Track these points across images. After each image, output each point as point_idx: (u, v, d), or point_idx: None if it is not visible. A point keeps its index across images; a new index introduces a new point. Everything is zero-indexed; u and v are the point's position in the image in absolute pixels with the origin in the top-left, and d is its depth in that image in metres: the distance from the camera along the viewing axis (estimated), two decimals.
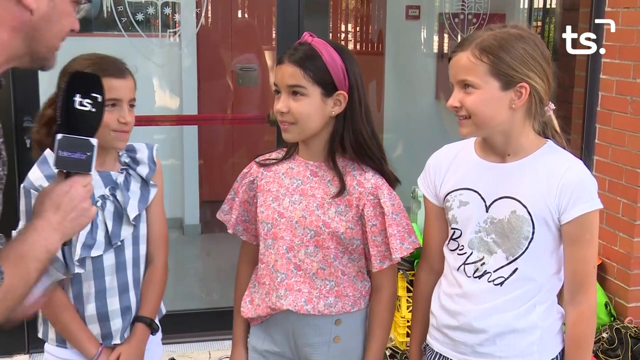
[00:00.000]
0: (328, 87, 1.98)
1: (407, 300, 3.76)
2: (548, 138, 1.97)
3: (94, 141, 1.53)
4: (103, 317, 2.15)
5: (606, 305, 3.88)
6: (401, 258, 2.02)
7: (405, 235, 2.00)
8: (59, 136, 1.52)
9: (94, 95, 1.53)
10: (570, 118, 4.35)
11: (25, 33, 1.42)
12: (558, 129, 1.99)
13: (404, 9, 5.75)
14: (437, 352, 2.07)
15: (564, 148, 1.97)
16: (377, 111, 6.12)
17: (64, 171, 1.54)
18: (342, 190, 2.00)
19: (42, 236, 1.48)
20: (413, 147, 5.93)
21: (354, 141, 2.01)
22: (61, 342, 2.16)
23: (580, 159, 1.96)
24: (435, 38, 5.84)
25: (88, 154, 1.53)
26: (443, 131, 5.89)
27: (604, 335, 3.70)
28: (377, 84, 6.08)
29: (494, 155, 1.97)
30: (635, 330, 3.71)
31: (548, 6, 5.45)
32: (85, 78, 1.56)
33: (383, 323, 2.12)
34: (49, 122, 2.10)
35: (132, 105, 2.11)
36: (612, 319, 3.87)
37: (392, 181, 2.06)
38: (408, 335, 3.67)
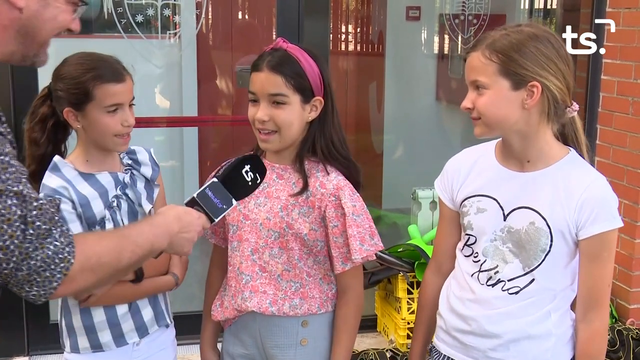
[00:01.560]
0: (306, 94, 2.00)
1: (407, 302, 3.74)
2: (569, 146, 1.93)
3: (235, 202, 1.83)
4: (135, 311, 2.16)
5: None
6: (362, 259, 2.00)
7: (366, 237, 1.99)
8: (215, 180, 1.82)
9: (258, 175, 1.87)
10: None
11: (16, 31, 1.46)
12: (581, 132, 1.93)
13: (404, 9, 5.74)
14: (444, 355, 2.06)
15: (584, 157, 1.92)
16: (377, 112, 6.11)
17: (195, 206, 1.77)
18: (303, 189, 2.01)
19: (153, 231, 1.64)
20: (413, 148, 5.94)
21: (325, 145, 2.04)
22: (97, 347, 2.14)
23: (602, 174, 1.91)
24: (436, 39, 5.83)
25: (224, 207, 1.81)
26: (443, 132, 5.89)
27: None
28: (377, 85, 6.07)
29: (514, 162, 1.93)
30: (637, 332, 3.69)
31: (549, 7, 5.44)
32: (260, 163, 1.90)
33: (350, 326, 2.11)
34: (43, 120, 2.11)
35: (132, 105, 2.11)
36: (614, 320, 3.86)
37: (357, 184, 2.07)
38: (409, 337, 3.67)
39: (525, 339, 1.92)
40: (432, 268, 2.16)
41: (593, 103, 4.13)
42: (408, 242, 3.90)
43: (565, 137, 1.94)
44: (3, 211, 1.34)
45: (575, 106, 1.89)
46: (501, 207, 1.92)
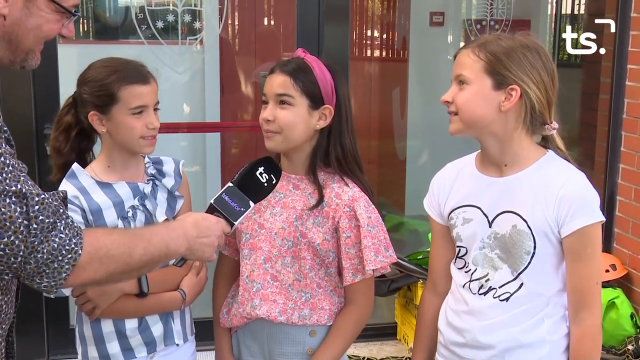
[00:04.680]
0: (315, 100, 2.01)
1: None
2: (549, 149, 1.93)
3: (251, 204, 1.85)
4: (144, 327, 2.15)
5: (632, 316, 3.81)
6: (374, 271, 2.00)
7: (380, 249, 2.00)
8: (230, 184, 1.85)
9: (272, 177, 1.89)
10: (596, 126, 4.29)
11: (0, 37, 1.50)
12: (562, 146, 1.94)
13: (428, 15, 5.72)
14: None
15: (567, 160, 1.93)
16: (401, 118, 6.09)
17: (214, 212, 1.80)
18: (319, 202, 2.02)
19: (169, 233, 1.66)
20: (437, 154, 5.89)
21: (342, 156, 2.05)
22: (105, 357, 2.15)
23: (582, 171, 1.91)
24: (460, 44, 5.79)
25: (242, 209, 1.83)
26: (467, 139, 5.83)
27: (630, 347, 3.63)
28: (401, 90, 6.05)
29: (493, 168, 1.94)
30: None
31: (570, 12, 5.39)
32: (274, 164, 1.92)
33: (343, 335, 2.08)
34: (67, 129, 2.13)
35: (156, 109, 2.12)
36: (638, 330, 3.79)
37: (370, 195, 2.07)
38: None
39: (518, 347, 1.91)
40: (428, 286, 2.16)
41: (617, 109, 4.07)
42: (428, 249, 3.86)
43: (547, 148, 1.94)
44: (3, 209, 1.39)
45: (555, 125, 1.90)
46: (485, 214, 1.93)
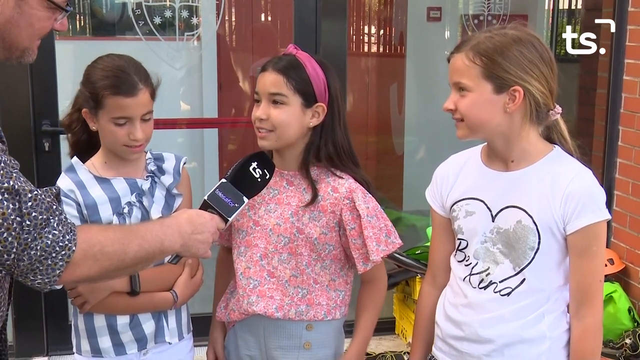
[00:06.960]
0: (308, 98, 2.01)
1: None
2: (555, 144, 1.93)
3: (245, 199, 1.86)
4: (136, 323, 2.15)
5: (629, 310, 3.82)
6: (381, 258, 2.05)
7: (381, 237, 2.02)
8: (223, 180, 1.86)
9: (266, 172, 1.90)
10: (593, 120, 4.29)
11: None
12: (566, 134, 1.94)
13: (425, 10, 5.72)
14: None
15: (572, 154, 1.92)
16: (398, 114, 6.10)
17: (208, 209, 1.81)
18: (314, 199, 2.02)
19: (164, 230, 1.66)
20: (434, 149, 5.90)
21: (334, 153, 2.05)
22: (96, 352, 2.15)
23: (589, 168, 1.90)
24: (457, 40, 5.80)
25: (236, 205, 1.84)
26: None
27: (627, 341, 3.64)
28: (398, 86, 6.06)
29: (498, 163, 1.93)
30: None
31: (567, 7, 5.39)
32: (267, 159, 1.94)
33: (376, 304, 2.16)
34: (80, 109, 2.13)
35: (146, 119, 2.08)
36: (636, 324, 3.81)
37: (368, 186, 2.08)
38: None
39: (518, 342, 1.91)
40: (428, 279, 2.16)
41: (615, 104, 4.07)
42: (426, 244, 3.88)
43: (552, 140, 1.94)
44: None
45: (558, 109, 1.89)
46: (489, 208, 1.92)
